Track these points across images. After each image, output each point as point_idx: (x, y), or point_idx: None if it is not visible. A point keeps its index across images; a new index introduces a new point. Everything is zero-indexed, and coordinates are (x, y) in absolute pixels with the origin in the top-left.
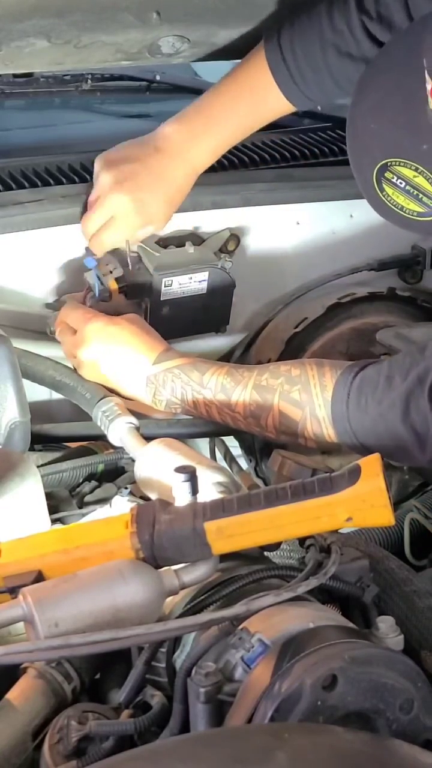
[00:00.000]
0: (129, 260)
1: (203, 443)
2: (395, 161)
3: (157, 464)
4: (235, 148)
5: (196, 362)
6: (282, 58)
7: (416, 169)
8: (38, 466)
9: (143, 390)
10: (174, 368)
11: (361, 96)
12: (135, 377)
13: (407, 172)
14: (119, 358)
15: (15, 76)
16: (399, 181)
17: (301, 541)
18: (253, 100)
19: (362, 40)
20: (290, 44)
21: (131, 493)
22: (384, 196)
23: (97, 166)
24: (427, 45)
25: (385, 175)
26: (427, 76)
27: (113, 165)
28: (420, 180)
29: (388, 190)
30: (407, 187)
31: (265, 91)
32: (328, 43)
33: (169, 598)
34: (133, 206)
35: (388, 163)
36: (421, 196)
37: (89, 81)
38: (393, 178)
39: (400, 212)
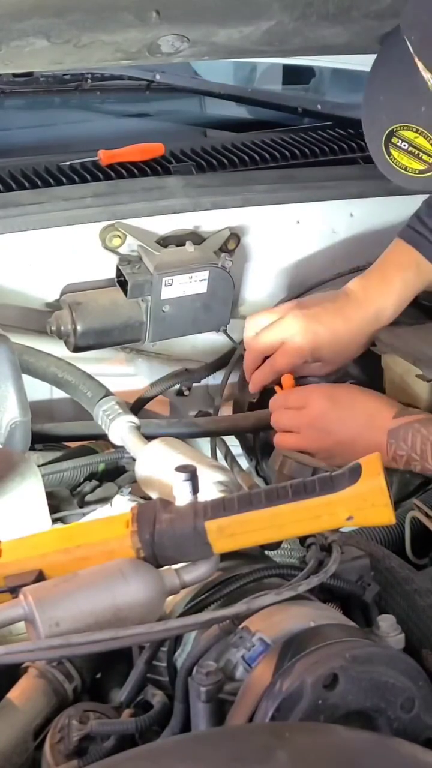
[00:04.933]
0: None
1: (204, 442)
2: (399, 126)
3: (157, 463)
4: (236, 147)
5: None
6: (416, 231)
7: (417, 131)
8: (39, 466)
9: (383, 446)
10: (414, 422)
11: (373, 74)
12: (376, 433)
13: (409, 135)
14: (359, 415)
15: (15, 75)
16: (402, 143)
17: (302, 540)
18: (411, 274)
19: None
20: (418, 219)
21: (132, 493)
22: (391, 159)
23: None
24: (404, 16)
25: (392, 140)
26: (409, 44)
27: (301, 302)
28: (420, 140)
29: (394, 153)
30: (410, 148)
31: (416, 265)
32: None
33: (170, 598)
34: (304, 333)
35: (394, 129)
36: (421, 154)
37: (89, 80)
38: (398, 141)
39: (405, 172)
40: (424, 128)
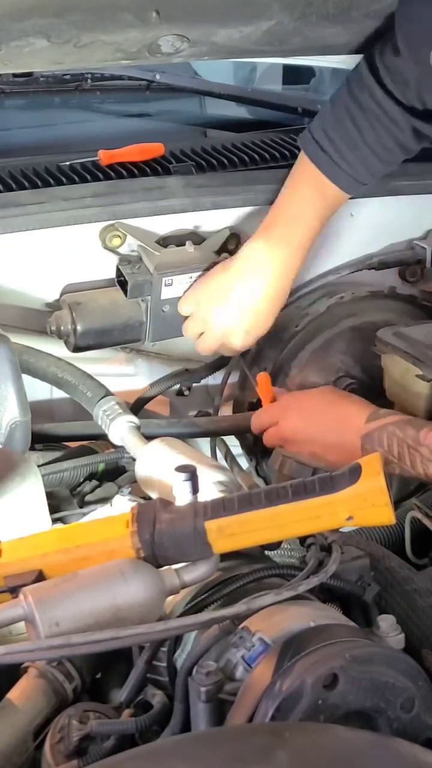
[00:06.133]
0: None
1: (204, 442)
2: None
3: (157, 463)
4: (236, 147)
5: (412, 419)
6: (321, 149)
7: None
8: (39, 466)
9: (358, 450)
10: (389, 425)
11: None
12: (350, 438)
13: None
14: (330, 423)
15: (15, 75)
16: None
17: (302, 539)
18: (316, 199)
19: (383, 101)
20: (324, 134)
21: (132, 493)
22: None
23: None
24: None
25: None
26: None
27: (204, 282)
28: None
29: None
30: None
31: (321, 187)
32: (357, 117)
33: (170, 597)
34: (240, 315)
35: None
36: None
37: (89, 80)
38: None
39: None
40: None
